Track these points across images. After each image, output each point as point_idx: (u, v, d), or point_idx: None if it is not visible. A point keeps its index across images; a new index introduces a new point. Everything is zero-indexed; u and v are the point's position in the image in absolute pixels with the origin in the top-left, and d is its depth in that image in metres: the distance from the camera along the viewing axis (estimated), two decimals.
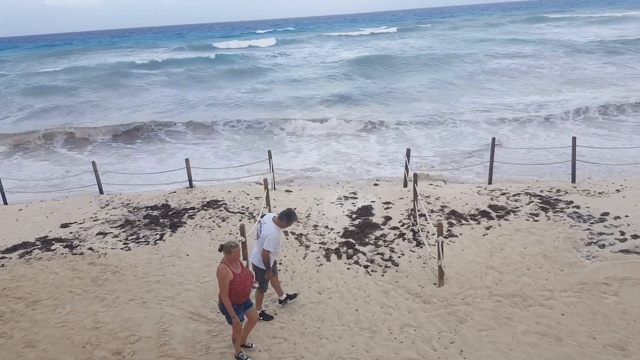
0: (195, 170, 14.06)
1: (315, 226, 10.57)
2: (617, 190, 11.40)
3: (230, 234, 10.26)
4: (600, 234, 9.03)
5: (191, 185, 13.59)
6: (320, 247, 9.52)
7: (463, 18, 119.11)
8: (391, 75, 37.73)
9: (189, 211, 11.58)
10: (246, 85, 37.67)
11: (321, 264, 8.84)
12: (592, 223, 9.51)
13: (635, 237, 8.74)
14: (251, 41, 79.44)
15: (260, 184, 14.22)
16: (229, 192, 12.93)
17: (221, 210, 11.54)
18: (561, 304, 6.99)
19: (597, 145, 16.36)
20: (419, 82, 33.77)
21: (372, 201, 11.83)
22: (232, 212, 11.39)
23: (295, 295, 7.60)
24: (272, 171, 13.46)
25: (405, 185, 12.94)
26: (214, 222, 10.86)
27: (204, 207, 11.75)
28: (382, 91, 31.51)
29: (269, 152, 13.97)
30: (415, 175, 10.51)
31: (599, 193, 11.27)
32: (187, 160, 13.65)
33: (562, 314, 6.78)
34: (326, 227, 10.52)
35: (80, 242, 10.17)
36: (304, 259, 9.10)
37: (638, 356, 5.86)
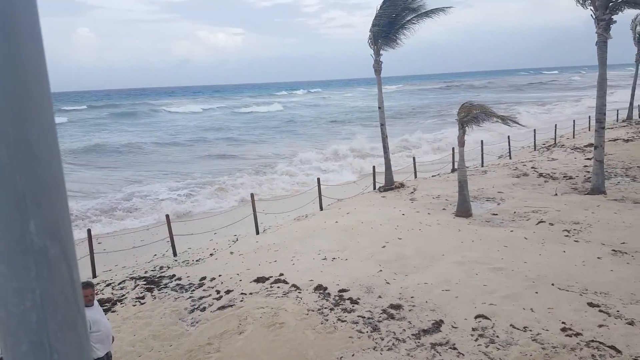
0: None
1: None
2: (211, 254, 12.88)
3: None
4: (201, 298, 9.82)
5: None
6: None
7: None
8: None
9: None
10: None
11: None
12: (193, 290, 10.26)
13: (227, 292, 9.96)
14: None
15: None
16: None
17: None
18: None
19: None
20: None
21: None
22: None
23: None
24: None
25: None
26: None
27: None
28: None
29: None
30: None
31: (197, 260, 12.41)
32: None
33: None
34: None
35: None
36: None
37: None
